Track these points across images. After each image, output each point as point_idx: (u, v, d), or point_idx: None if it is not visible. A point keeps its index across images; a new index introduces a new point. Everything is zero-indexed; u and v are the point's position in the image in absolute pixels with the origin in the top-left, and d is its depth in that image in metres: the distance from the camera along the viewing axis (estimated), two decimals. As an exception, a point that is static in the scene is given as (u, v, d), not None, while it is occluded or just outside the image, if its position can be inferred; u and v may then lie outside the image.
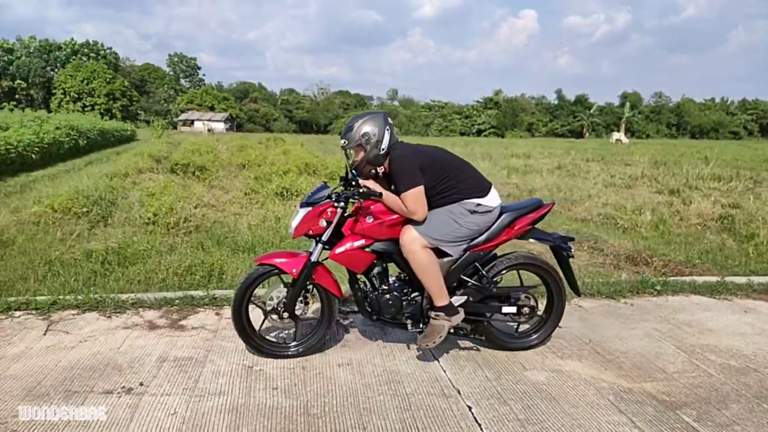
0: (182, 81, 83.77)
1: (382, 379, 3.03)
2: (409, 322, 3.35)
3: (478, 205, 3.26)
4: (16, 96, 60.91)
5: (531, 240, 3.46)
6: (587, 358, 3.39)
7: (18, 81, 61.18)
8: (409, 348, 3.47)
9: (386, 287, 3.35)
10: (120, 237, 6.45)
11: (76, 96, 57.00)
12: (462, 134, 67.74)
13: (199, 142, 22.17)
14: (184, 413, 2.61)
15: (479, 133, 69.73)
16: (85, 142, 20.14)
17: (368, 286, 3.39)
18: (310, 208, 3.25)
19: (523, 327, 3.60)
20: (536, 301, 3.47)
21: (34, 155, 14.54)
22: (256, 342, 3.29)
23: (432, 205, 3.23)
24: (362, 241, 3.24)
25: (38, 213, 7.37)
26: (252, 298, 3.28)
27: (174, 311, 3.98)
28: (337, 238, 3.25)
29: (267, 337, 3.40)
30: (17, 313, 3.83)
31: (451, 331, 3.31)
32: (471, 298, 3.36)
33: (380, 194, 3.16)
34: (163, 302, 4.10)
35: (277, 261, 3.27)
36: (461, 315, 3.29)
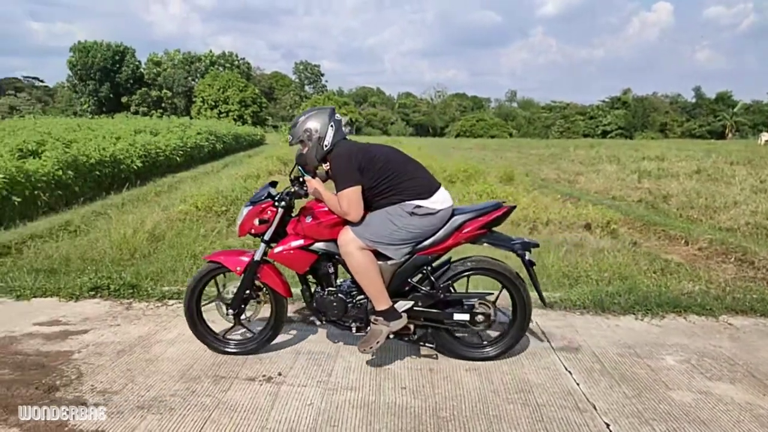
0: (306, 88, 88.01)
1: (511, 387, 2.96)
2: (354, 325, 3.23)
3: (418, 206, 3.08)
4: (162, 104, 67.46)
5: (484, 244, 3.19)
6: (741, 381, 3.07)
7: (164, 90, 67.74)
8: (537, 357, 3.36)
9: (333, 288, 3.25)
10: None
11: (213, 104, 61.93)
12: (585, 136, 64.50)
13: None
14: (319, 405, 2.73)
15: (604, 134, 65.99)
16: (222, 146, 21.80)
17: (318, 287, 3.30)
18: (251, 207, 3.24)
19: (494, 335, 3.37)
20: (494, 309, 3.19)
21: (178, 158, 15.98)
22: (209, 339, 3.35)
23: (373, 206, 3.14)
24: (301, 241, 3.18)
25: (184, 211, 8.10)
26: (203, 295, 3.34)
27: (304, 308, 4.17)
28: (282, 237, 3.21)
29: (226, 336, 3.41)
30: (171, 302, 4.22)
31: (391, 336, 3.16)
32: (420, 304, 3.19)
33: (306, 193, 3.10)
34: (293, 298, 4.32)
35: (223, 258, 3.28)
36: (403, 321, 3.13)
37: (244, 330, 3.43)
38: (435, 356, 3.31)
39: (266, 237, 3.21)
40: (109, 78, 66.04)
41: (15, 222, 7.53)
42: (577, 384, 3.02)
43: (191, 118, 39.88)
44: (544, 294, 3.45)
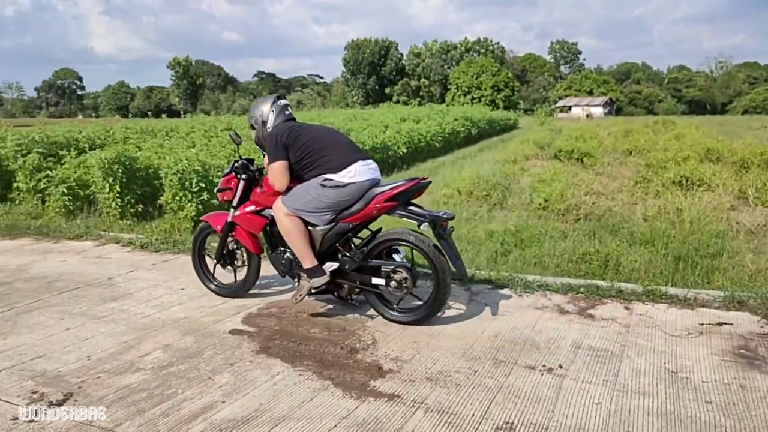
0: (562, 68, 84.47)
1: None
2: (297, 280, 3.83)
3: (328, 179, 3.51)
4: (420, 93, 71.76)
5: (398, 215, 3.50)
6: None
7: (422, 80, 71.94)
8: None
9: (282, 248, 3.86)
10: (515, 220, 6.84)
11: (467, 89, 63.65)
12: None
13: (580, 127, 21.92)
14: (608, 405, 2.56)
15: None
16: (476, 131, 22.23)
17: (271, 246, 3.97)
18: (223, 178, 4.07)
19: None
20: (409, 276, 3.47)
21: (437, 144, 16.77)
22: (202, 277, 4.29)
23: (302, 179, 3.65)
24: (253, 207, 3.90)
25: (447, 195, 8.45)
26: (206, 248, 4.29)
27: (580, 298, 3.98)
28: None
29: (221, 281, 4.25)
30: (445, 281, 4.42)
31: (312, 291, 3.68)
32: (347, 267, 3.63)
33: (245, 165, 3.93)
34: (567, 288, 4.15)
35: (209, 219, 4.17)
36: (324, 278, 3.61)
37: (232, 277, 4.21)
38: (745, 371, 2.84)
39: (234, 203, 3.99)
40: (375, 71, 72.51)
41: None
42: None
43: (447, 105, 41.50)
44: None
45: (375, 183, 3.58)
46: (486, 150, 17.78)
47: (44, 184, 7.51)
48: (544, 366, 2.97)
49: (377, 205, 3.48)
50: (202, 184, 6.43)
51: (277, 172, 3.64)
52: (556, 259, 5.07)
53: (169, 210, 6.61)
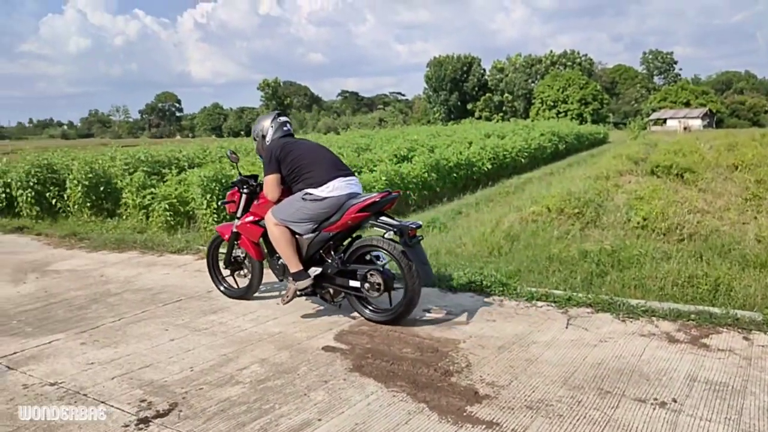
0: (655, 79, 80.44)
1: None
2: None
3: (308, 193, 3.90)
4: (503, 108, 70.73)
5: (370, 225, 3.91)
6: None
7: (506, 95, 70.94)
8: None
9: (277, 255, 4.16)
10: (611, 239, 6.50)
11: (552, 104, 62.04)
12: None
13: (678, 141, 20.69)
14: (734, 448, 2.33)
15: None
16: (564, 146, 21.55)
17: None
18: (228, 192, 4.61)
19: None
20: (382, 279, 3.76)
21: (523, 159, 16.39)
22: (215, 280, 4.80)
23: (291, 191, 4.05)
24: (251, 218, 4.33)
25: (536, 212, 8.17)
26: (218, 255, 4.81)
27: (691, 326, 3.69)
28: None
29: (230, 284, 4.75)
30: (539, 303, 4.26)
31: (298, 293, 4.07)
32: (329, 271, 3.96)
33: (244, 181, 4.42)
34: (675, 314, 3.86)
35: (219, 229, 4.68)
36: (307, 281, 3.97)
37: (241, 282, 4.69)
38: None
39: (238, 214, 4.45)
40: (458, 87, 72.39)
41: (391, 218, 8.77)
42: None
43: (529, 119, 40.63)
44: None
45: (353, 197, 3.95)
46: (575, 166, 17.16)
47: (149, 200, 8.01)
48: (655, 399, 2.76)
49: (351, 216, 3.84)
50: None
51: (269, 184, 4.10)
52: (659, 282, 4.73)
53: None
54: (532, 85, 70.90)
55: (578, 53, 72.76)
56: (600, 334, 3.62)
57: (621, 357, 3.26)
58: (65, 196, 9.01)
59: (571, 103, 60.50)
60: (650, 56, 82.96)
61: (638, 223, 7.04)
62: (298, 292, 4.06)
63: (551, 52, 73.04)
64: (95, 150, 11.29)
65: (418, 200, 10.03)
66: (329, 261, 4.00)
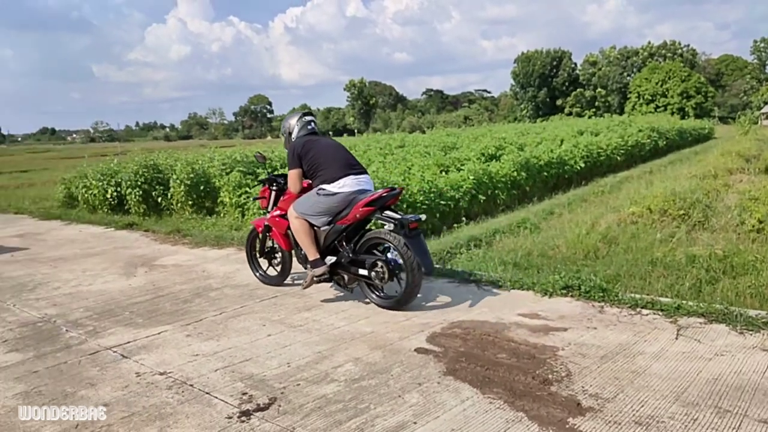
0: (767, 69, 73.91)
1: None
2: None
3: (322, 189, 4.35)
4: (596, 103, 67.64)
5: (376, 218, 4.33)
6: None
7: (598, 90, 67.83)
8: None
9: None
10: (722, 243, 6.01)
11: (650, 98, 58.59)
12: None
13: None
14: None
15: None
16: (664, 142, 20.27)
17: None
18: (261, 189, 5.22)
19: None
20: (387, 268, 4.15)
21: (619, 157, 15.58)
22: (253, 269, 5.30)
23: (311, 186, 4.51)
24: (278, 212, 4.78)
25: (636, 213, 7.72)
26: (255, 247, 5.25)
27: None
28: None
29: (264, 271, 5.24)
30: (645, 312, 4.00)
31: (315, 280, 4.47)
32: (343, 260, 4.39)
33: (272, 179, 5.02)
34: None
35: (255, 222, 5.18)
36: (323, 268, 4.38)
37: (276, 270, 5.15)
38: None
39: (269, 209, 4.98)
40: (546, 83, 70.16)
41: (480, 218, 8.63)
42: None
43: (625, 115, 38.56)
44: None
45: (362, 193, 4.33)
46: (677, 163, 16.08)
47: (243, 199, 8.35)
48: (784, 422, 2.50)
49: (359, 210, 4.25)
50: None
51: (292, 178, 4.59)
52: (778, 291, 4.32)
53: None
54: (628, 78, 67.32)
55: (679, 44, 68.22)
56: (715, 346, 3.34)
57: (741, 373, 2.99)
58: (169, 194, 9.59)
59: (672, 96, 56.82)
60: (762, 45, 76.17)
61: (753, 226, 6.49)
62: (315, 279, 4.45)
63: (649, 43, 68.98)
64: (194, 151, 11.91)
65: (506, 200, 9.78)
66: (342, 251, 4.41)
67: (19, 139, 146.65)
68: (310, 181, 4.57)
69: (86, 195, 10.53)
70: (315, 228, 4.45)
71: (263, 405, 2.90)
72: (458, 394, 2.92)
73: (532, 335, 3.67)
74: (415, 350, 3.53)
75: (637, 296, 4.21)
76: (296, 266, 4.99)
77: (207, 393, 3.06)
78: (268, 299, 4.75)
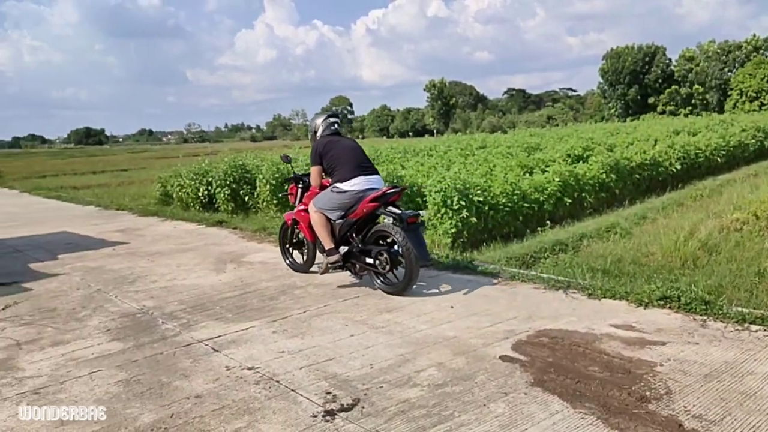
0: None
1: None
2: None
3: (335, 187, 4.93)
4: (692, 101, 63.43)
5: (380, 213, 4.84)
6: None
7: (695, 86, 63.55)
8: None
9: None
10: None
11: (754, 95, 54.29)
12: None
13: None
14: None
15: None
16: (772, 143, 18.66)
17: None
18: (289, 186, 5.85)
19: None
20: (388, 258, 4.67)
21: (719, 159, 14.53)
22: (284, 256, 5.92)
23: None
24: (302, 207, 5.39)
25: (740, 219, 7.15)
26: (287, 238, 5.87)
27: None
28: None
29: (294, 259, 5.85)
30: (754, 328, 3.68)
31: (329, 267, 5.03)
32: (354, 250, 4.94)
33: (298, 178, 5.67)
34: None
35: (286, 216, 5.74)
36: (336, 257, 4.93)
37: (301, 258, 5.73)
38: None
39: (296, 204, 5.52)
40: (638, 80, 66.71)
41: (565, 221, 8.30)
42: None
43: (726, 113, 35.92)
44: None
45: (371, 191, 4.83)
46: (786, 166, 14.78)
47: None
48: None
49: (365, 205, 4.78)
50: (462, 203, 6.55)
51: (313, 174, 5.19)
52: None
53: (431, 226, 6.87)
54: (729, 74, 62.70)
55: (791, 35, 62.63)
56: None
57: None
58: (255, 193, 9.94)
59: (778, 93, 52.34)
60: None
61: None
62: (329, 266, 4.99)
63: (754, 36, 63.66)
64: (279, 151, 12.27)
65: (594, 203, 9.36)
66: (353, 242, 4.95)
67: (120, 139, 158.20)
68: (330, 179, 5.13)
69: (180, 193, 11.12)
70: (331, 221, 5.01)
71: (347, 405, 2.91)
72: (547, 407, 2.80)
73: (627, 348, 3.46)
74: (500, 358, 3.43)
75: (745, 310, 3.88)
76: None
77: (293, 390, 3.11)
78: (351, 299, 4.80)
